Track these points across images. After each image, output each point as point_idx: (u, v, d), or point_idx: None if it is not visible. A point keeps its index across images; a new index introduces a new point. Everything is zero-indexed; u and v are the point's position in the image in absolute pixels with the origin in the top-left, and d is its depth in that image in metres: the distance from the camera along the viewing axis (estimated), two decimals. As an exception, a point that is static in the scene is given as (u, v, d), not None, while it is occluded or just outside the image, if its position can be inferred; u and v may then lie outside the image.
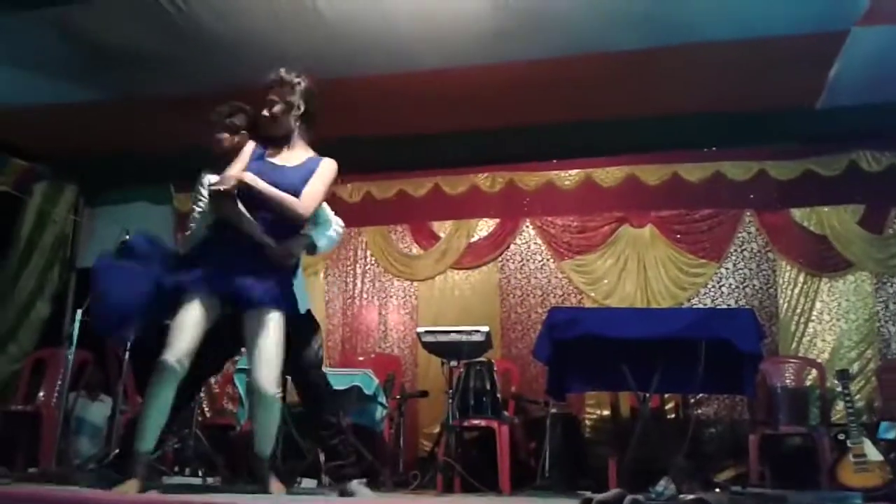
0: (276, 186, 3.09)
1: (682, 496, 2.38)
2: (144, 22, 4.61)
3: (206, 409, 6.27)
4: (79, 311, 4.89)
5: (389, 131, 5.82)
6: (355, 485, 3.32)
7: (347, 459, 3.39)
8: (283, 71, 3.34)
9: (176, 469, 4.78)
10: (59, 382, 5.45)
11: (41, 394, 5.69)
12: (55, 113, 5.62)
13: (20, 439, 5.47)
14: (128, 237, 5.03)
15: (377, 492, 3.69)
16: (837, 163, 5.88)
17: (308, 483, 4.74)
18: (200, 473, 4.58)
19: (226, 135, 3.54)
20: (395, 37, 4.70)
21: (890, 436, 4.58)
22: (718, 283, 6.04)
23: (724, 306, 5.83)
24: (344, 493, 3.32)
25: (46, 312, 6.77)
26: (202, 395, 6.21)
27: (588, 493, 3.78)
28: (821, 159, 5.92)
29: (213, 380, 6.40)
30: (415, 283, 6.66)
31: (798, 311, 5.81)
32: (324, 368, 5.56)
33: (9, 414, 5.60)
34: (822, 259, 5.87)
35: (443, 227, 6.69)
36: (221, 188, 3.02)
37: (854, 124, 5.54)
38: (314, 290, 6.75)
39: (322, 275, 6.81)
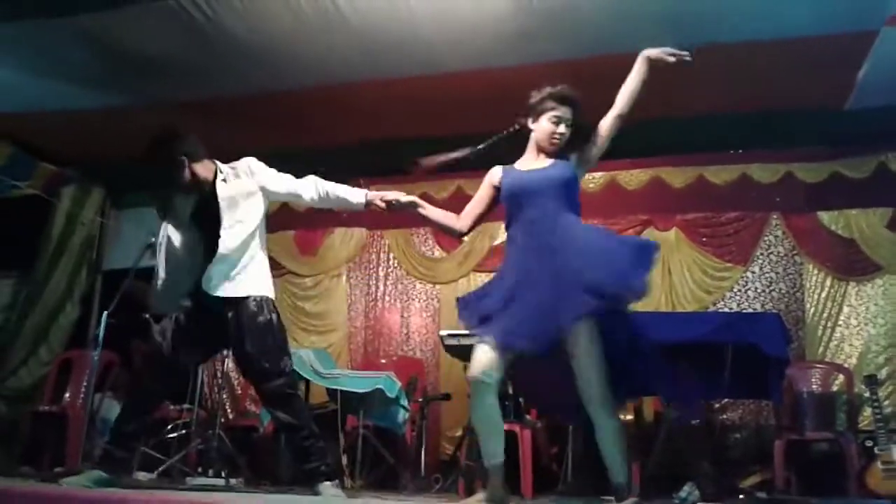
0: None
1: (702, 502, 2.36)
2: (172, 29, 4.67)
3: (230, 410, 6.31)
4: (105, 313, 4.94)
5: (411, 134, 5.82)
6: (327, 486, 3.27)
7: (320, 460, 3.33)
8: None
9: (199, 470, 4.80)
10: (86, 383, 5.51)
11: (67, 394, 5.76)
12: (82, 118, 5.71)
13: (47, 439, 5.54)
14: (154, 240, 5.11)
15: (398, 495, 3.68)
16: (866, 165, 5.80)
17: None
18: (223, 474, 4.61)
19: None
20: (418, 39, 4.71)
21: None
22: (744, 286, 5.97)
23: (751, 310, 5.77)
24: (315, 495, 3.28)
25: (75, 315, 6.86)
26: (226, 396, 6.27)
27: (610, 500, 3.76)
28: (849, 161, 5.83)
29: (235, 381, 6.45)
30: (437, 286, 6.65)
31: (825, 315, 5.73)
32: (346, 371, 5.61)
33: (36, 414, 5.67)
34: (850, 263, 5.79)
35: (466, 230, 6.68)
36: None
37: (883, 126, 5.47)
38: (336, 293, 6.78)
39: (345, 277, 6.83)
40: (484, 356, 2.88)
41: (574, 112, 3.10)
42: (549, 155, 3.12)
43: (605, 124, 3.13)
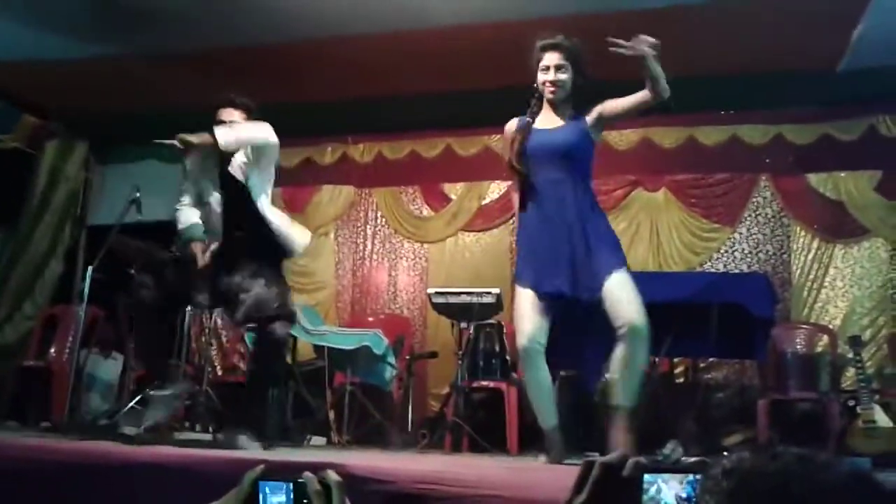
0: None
1: (684, 459, 2.39)
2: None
3: (217, 366, 6.31)
4: (90, 268, 4.90)
5: (401, 91, 5.76)
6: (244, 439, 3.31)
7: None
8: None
9: (187, 425, 4.82)
10: (71, 339, 5.48)
11: (53, 350, 5.73)
12: (67, 68, 5.60)
13: (32, 394, 5.53)
14: (138, 195, 5.07)
15: (386, 450, 3.71)
16: (856, 127, 5.78)
17: (318, 440, 4.78)
18: (211, 429, 4.62)
19: None
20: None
21: None
22: (732, 248, 5.98)
23: (737, 271, 5.79)
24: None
25: (60, 270, 6.81)
26: (214, 352, 6.27)
27: (593, 455, 3.78)
28: (839, 123, 5.81)
29: (224, 338, 6.44)
30: (425, 245, 6.64)
31: (811, 277, 5.76)
32: (333, 328, 5.62)
33: (21, 369, 5.65)
34: (838, 225, 5.80)
35: (454, 189, 6.65)
36: None
37: (875, 88, 5.45)
38: (324, 251, 6.76)
39: (332, 235, 6.80)
40: (530, 324, 3.03)
41: (566, 55, 3.11)
42: (559, 108, 3.16)
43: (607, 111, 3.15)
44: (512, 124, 3.24)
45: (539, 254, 3.11)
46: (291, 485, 1.19)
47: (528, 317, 3.05)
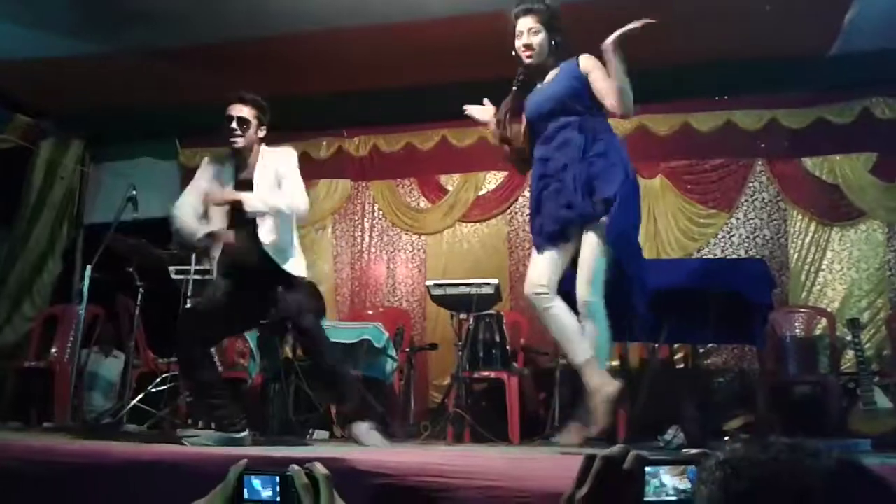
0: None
1: (686, 450, 2.42)
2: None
3: (218, 363, 6.31)
4: (88, 267, 4.90)
5: (396, 83, 5.75)
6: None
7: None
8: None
9: (189, 422, 4.83)
10: (72, 338, 5.49)
11: (54, 350, 5.73)
12: (60, 67, 5.59)
13: (34, 395, 5.54)
14: (134, 192, 5.06)
15: (388, 442, 3.72)
16: (850, 110, 5.78)
17: (320, 434, 4.79)
18: (213, 426, 4.62)
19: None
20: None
21: None
22: (729, 233, 5.99)
23: (735, 256, 5.80)
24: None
25: (58, 270, 6.81)
26: (214, 349, 6.28)
27: (594, 448, 3.79)
28: (833, 107, 5.82)
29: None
30: (423, 237, 6.64)
31: (809, 260, 5.78)
32: (333, 322, 5.63)
33: (22, 370, 5.66)
34: (834, 208, 5.81)
35: (451, 181, 6.65)
36: None
37: (868, 70, 5.45)
38: (322, 245, 6.76)
39: (330, 229, 6.80)
40: (532, 271, 3.11)
41: (539, 18, 3.12)
42: (540, 71, 3.17)
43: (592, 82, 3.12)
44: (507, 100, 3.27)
45: (539, 208, 3.15)
46: (278, 478, 1.20)
47: (533, 263, 3.14)
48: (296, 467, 1.19)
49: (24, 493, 2.35)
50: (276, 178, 3.60)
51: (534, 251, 3.20)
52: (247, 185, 3.58)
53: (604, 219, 2.98)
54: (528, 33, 3.12)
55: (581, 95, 3.09)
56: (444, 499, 1.90)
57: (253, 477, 1.21)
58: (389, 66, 5.49)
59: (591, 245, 3.00)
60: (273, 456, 2.46)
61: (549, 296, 3.07)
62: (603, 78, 3.05)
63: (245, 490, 1.20)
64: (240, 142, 3.58)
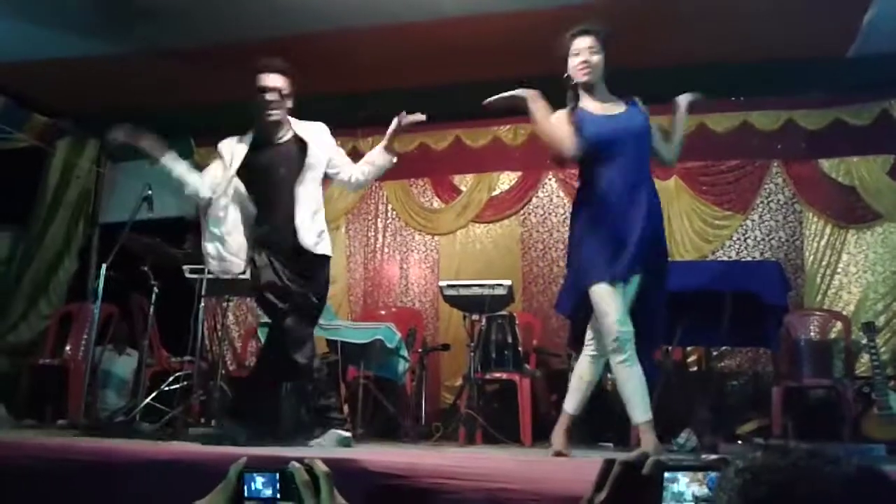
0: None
1: (704, 455, 2.39)
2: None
3: (230, 362, 6.34)
4: (103, 266, 4.93)
5: (409, 83, 5.74)
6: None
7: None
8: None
9: (202, 420, 4.85)
10: (86, 336, 5.52)
11: (68, 348, 5.78)
12: (76, 67, 5.62)
13: (49, 392, 5.58)
14: (150, 192, 5.08)
15: (400, 443, 3.72)
16: (868, 112, 5.73)
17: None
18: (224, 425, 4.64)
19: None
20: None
21: None
22: (744, 235, 5.96)
23: (750, 259, 5.76)
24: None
25: (74, 268, 6.86)
26: (226, 348, 6.31)
27: (607, 446, 3.80)
28: (851, 108, 5.77)
29: (236, 334, 6.48)
30: (436, 237, 6.64)
31: (824, 263, 5.73)
32: (346, 322, 5.64)
33: (37, 368, 5.70)
34: (850, 210, 5.77)
35: (464, 181, 6.65)
36: None
37: (887, 72, 5.40)
38: (335, 244, 6.74)
39: (343, 229, 6.81)
40: (613, 308, 3.04)
41: (597, 38, 3.14)
42: (596, 93, 3.19)
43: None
44: (561, 115, 3.17)
45: (608, 243, 3.07)
46: (278, 475, 1.20)
47: (606, 300, 3.03)
48: (296, 464, 1.19)
49: (37, 490, 2.36)
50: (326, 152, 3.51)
51: (603, 285, 3.05)
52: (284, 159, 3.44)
53: None
54: (587, 51, 3.13)
55: (649, 135, 3.21)
56: (457, 501, 1.90)
57: (253, 474, 1.21)
58: (403, 66, 5.49)
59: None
60: (285, 455, 2.46)
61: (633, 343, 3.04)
62: (657, 128, 3.24)
63: (245, 488, 1.20)
64: (277, 114, 3.43)
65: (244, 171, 3.50)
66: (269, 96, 3.39)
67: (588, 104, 3.19)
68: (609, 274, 3.01)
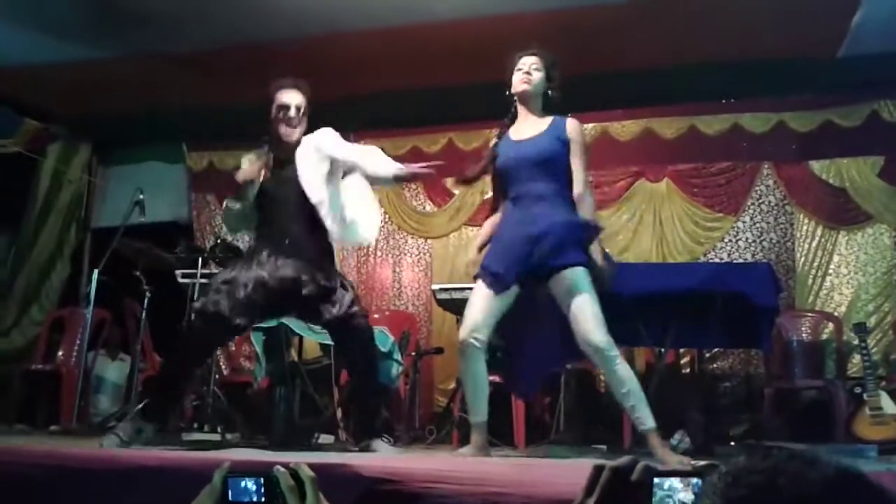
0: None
1: (694, 463, 2.39)
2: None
3: (224, 366, 6.34)
4: (95, 271, 4.92)
5: (402, 86, 5.76)
6: (379, 443, 3.39)
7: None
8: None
9: (195, 425, 4.84)
10: (78, 341, 5.51)
11: (60, 353, 5.75)
12: (68, 71, 5.61)
13: (41, 397, 5.56)
14: (142, 196, 5.08)
15: (394, 446, 3.72)
16: (858, 113, 5.76)
17: (325, 438, 4.79)
18: (219, 430, 4.64)
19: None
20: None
21: None
22: (735, 237, 5.98)
23: (741, 260, 5.79)
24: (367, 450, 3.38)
25: (66, 273, 6.84)
26: (220, 352, 6.31)
27: (599, 447, 3.81)
28: (841, 110, 5.80)
29: (229, 338, 6.46)
30: (429, 241, 6.64)
31: (815, 264, 5.76)
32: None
33: (29, 373, 5.68)
34: (841, 212, 5.80)
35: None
36: None
37: (876, 73, 5.43)
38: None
39: (336, 232, 6.80)
40: (473, 315, 3.08)
41: (540, 58, 3.28)
42: (531, 109, 3.28)
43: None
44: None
45: (496, 247, 3.16)
46: (263, 480, 1.20)
47: (473, 306, 3.11)
48: (281, 469, 1.19)
49: (28, 496, 2.36)
50: (321, 157, 3.38)
51: (478, 284, 3.15)
52: (291, 179, 3.35)
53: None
54: (530, 66, 3.26)
55: (563, 162, 3.18)
56: (450, 505, 1.90)
57: (238, 479, 1.21)
58: (395, 69, 5.50)
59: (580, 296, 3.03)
60: (273, 461, 2.46)
61: (480, 349, 3.12)
62: (580, 155, 3.19)
63: (230, 492, 1.20)
64: (297, 133, 3.38)
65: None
66: (290, 114, 3.37)
67: (515, 126, 3.32)
68: (482, 271, 3.14)
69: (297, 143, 3.42)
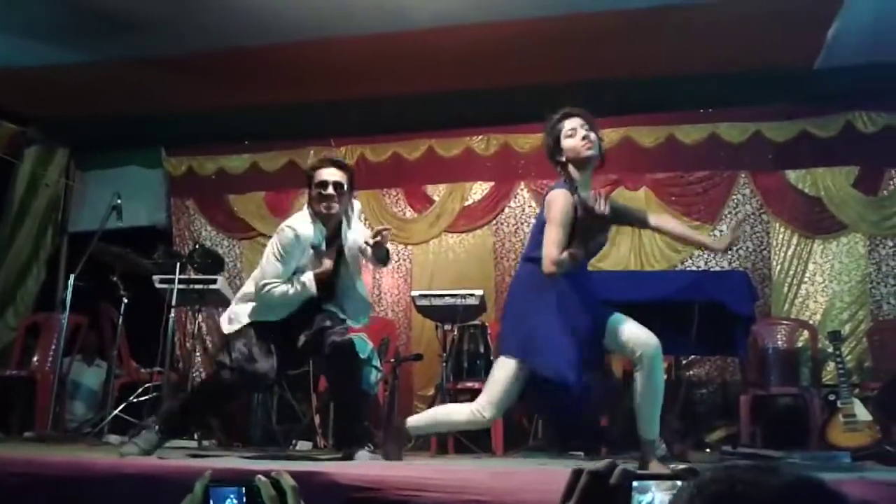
0: None
1: (672, 466, 2.41)
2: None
3: (202, 372, 6.29)
4: (72, 276, 4.88)
5: (382, 93, 5.77)
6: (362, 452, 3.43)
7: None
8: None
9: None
10: (54, 347, 5.45)
11: (35, 358, 5.68)
12: (46, 75, 5.57)
13: (15, 404, 5.50)
14: (119, 201, 5.04)
15: (372, 453, 3.72)
16: (833, 124, 5.84)
17: (303, 445, 4.78)
18: (196, 437, 4.61)
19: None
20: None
21: None
22: (712, 245, 6.02)
23: (718, 268, 5.84)
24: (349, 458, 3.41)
25: (42, 278, 6.77)
26: (198, 357, 6.28)
27: (577, 455, 3.82)
28: (817, 120, 5.87)
29: (209, 344, 6.43)
30: (409, 247, 6.63)
31: (791, 272, 5.82)
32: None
33: (3, 379, 5.60)
34: (816, 221, 5.86)
35: (437, 191, 6.65)
36: None
37: (851, 84, 5.52)
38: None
39: (316, 238, 6.78)
40: (501, 397, 3.17)
41: (585, 119, 3.13)
42: (587, 172, 3.15)
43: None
44: (567, 196, 3.04)
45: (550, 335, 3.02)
46: (244, 489, 1.20)
47: (502, 386, 3.13)
48: (262, 478, 1.19)
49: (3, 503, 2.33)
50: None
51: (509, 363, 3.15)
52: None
53: None
54: (582, 129, 3.08)
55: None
56: (428, 513, 1.91)
57: (219, 488, 1.21)
58: (377, 76, 5.51)
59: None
60: (255, 469, 2.45)
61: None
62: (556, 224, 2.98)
63: (211, 502, 1.20)
64: (336, 208, 3.46)
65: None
66: (327, 191, 3.43)
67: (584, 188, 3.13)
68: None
69: (338, 215, 3.52)
